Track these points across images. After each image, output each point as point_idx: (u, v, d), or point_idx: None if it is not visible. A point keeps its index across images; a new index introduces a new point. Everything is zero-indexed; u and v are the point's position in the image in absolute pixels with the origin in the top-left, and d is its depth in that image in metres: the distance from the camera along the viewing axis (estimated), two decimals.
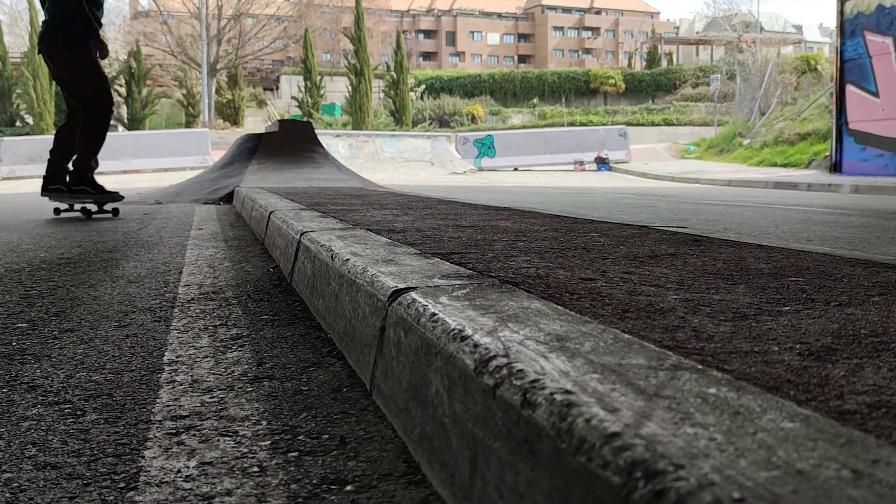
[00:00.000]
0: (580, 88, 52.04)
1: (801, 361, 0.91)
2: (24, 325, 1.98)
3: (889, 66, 14.14)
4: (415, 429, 1.06)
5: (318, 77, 40.25)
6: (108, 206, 6.12)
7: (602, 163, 23.01)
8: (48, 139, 22.42)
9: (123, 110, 37.64)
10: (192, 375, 1.50)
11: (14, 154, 20.15)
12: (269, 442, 1.14)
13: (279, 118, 23.09)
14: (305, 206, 4.08)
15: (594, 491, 0.62)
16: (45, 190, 5.84)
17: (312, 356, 1.64)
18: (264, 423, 1.22)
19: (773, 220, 5.47)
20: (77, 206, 5.97)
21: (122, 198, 6.02)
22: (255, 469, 1.04)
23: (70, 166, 5.82)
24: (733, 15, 51.49)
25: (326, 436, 1.16)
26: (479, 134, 25.43)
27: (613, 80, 51.84)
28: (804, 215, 5.99)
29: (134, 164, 20.89)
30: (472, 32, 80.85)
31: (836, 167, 15.36)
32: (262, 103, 44.77)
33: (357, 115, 36.07)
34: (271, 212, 3.65)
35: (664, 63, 56.47)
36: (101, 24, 5.73)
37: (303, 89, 39.87)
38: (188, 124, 36.06)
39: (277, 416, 1.26)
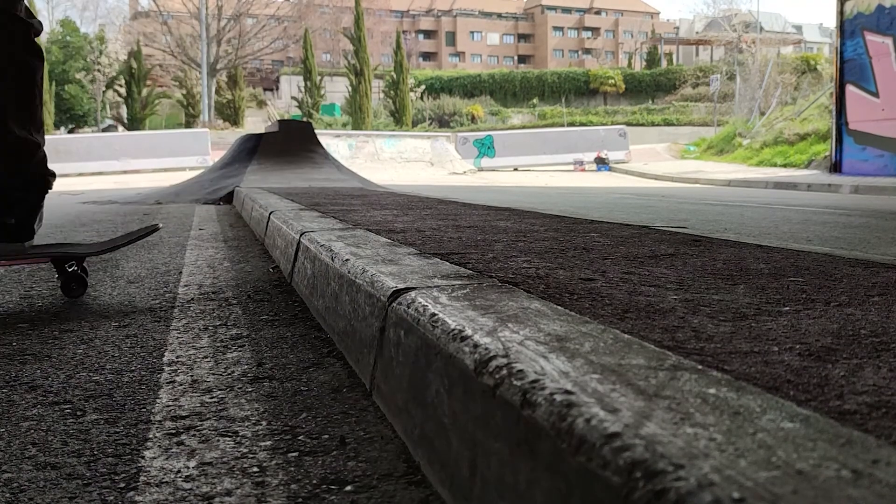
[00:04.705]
0: (580, 88, 52.06)
1: (801, 362, 0.91)
2: (24, 325, 1.98)
3: (889, 66, 14.13)
4: (415, 429, 1.06)
5: (318, 77, 40.28)
6: None
7: (602, 163, 23.01)
8: (49, 139, 22.49)
9: (123, 110, 37.66)
10: (191, 376, 1.50)
11: None
12: (269, 442, 1.14)
13: (279, 118, 23.09)
14: (305, 206, 4.08)
15: (594, 491, 0.62)
16: None
17: (312, 356, 1.64)
18: (264, 423, 1.22)
19: (773, 220, 5.47)
20: None
21: None
22: (255, 469, 1.04)
23: None
24: (733, 15, 51.48)
25: (326, 436, 1.16)
26: (478, 134, 25.44)
27: (613, 81, 51.86)
28: (804, 215, 5.99)
29: (133, 165, 20.89)
30: (472, 33, 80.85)
31: (835, 167, 15.35)
32: (262, 103, 44.78)
33: (357, 115, 36.08)
34: (271, 212, 3.65)
35: (664, 63, 56.49)
36: None
37: (303, 89, 39.89)
38: (188, 124, 36.06)
39: (277, 416, 1.26)
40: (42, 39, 33.69)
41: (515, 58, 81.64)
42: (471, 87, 50.11)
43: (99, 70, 36.59)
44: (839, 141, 15.38)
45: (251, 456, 1.09)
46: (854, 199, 9.55)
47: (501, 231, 2.67)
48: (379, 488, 0.96)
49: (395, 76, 38.92)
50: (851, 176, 13.87)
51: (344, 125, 35.73)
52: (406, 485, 0.97)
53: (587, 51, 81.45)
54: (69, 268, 2.30)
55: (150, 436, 1.17)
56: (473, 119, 42.06)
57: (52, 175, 2.36)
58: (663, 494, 0.55)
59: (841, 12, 15.27)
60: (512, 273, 1.60)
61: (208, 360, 1.62)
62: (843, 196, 10.45)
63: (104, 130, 34.34)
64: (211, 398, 1.36)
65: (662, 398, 0.74)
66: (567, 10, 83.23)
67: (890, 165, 13.96)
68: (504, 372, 0.84)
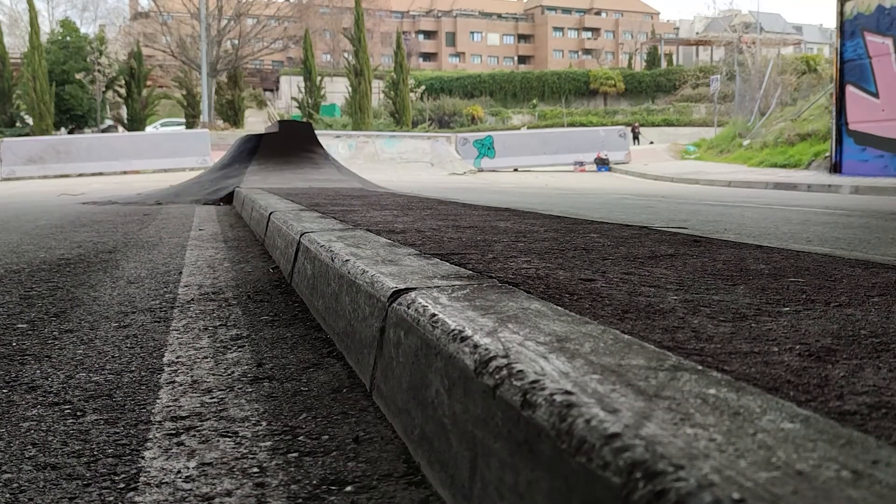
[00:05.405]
0: (580, 89, 52.08)
1: (801, 362, 0.91)
2: (24, 325, 1.98)
3: (889, 66, 14.13)
4: (415, 429, 1.06)
5: (319, 78, 40.26)
6: None
7: (602, 163, 23.00)
8: (49, 140, 22.51)
9: (123, 111, 37.65)
10: (191, 376, 1.50)
11: (14, 155, 20.14)
12: (269, 443, 1.14)
13: (279, 119, 23.06)
14: (305, 206, 4.08)
15: (594, 491, 0.62)
16: None
17: (312, 357, 1.64)
18: (264, 423, 1.22)
19: (773, 220, 5.46)
20: None
21: None
22: (255, 470, 1.04)
23: None
24: (733, 16, 51.51)
25: (326, 436, 1.16)
26: (479, 135, 25.41)
27: (613, 81, 51.88)
28: (804, 216, 5.99)
29: (134, 165, 20.88)
30: (472, 33, 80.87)
31: (836, 168, 15.35)
32: (262, 104, 44.79)
33: (357, 115, 36.06)
34: (271, 212, 3.65)
35: (664, 64, 56.52)
36: None
37: (303, 90, 39.89)
38: (188, 125, 36.07)
39: (277, 416, 1.26)
40: (42, 39, 33.67)
41: (516, 58, 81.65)
42: (471, 88, 50.14)
43: (99, 70, 36.55)
44: (839, 141, 15.37)
45: (251, 456, 1.08)
46: (854, 199, 9.55)
47: (501, 231, 2.68)
48: (379, 489, 0.96)
49: (395, 76, 38.89)
50: (851, 176, 13.86)
51: (344, 126, 35.70)
52: (406, 485, 0.97)
53: (587, 51, 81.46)
54: None
55: (150, 436, 1.17)
56: (473, 119, 42.08)
57: None
58: (663, 495, 0.55)
59: (841, 13, 15.27)
60: (512, 273, 1.60)
61: (208, 360, 1.62)
62: (843, 196, 10.45)
63: (104, 131, 34.34)
64: (211, 398, 1.36)
65: (662, 398, 0.74)
66: (567, 11, 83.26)
67: (890, 166, 13.96)
68: (504, 372, 0.84)
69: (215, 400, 1.35)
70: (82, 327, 1.95)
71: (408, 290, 1.34)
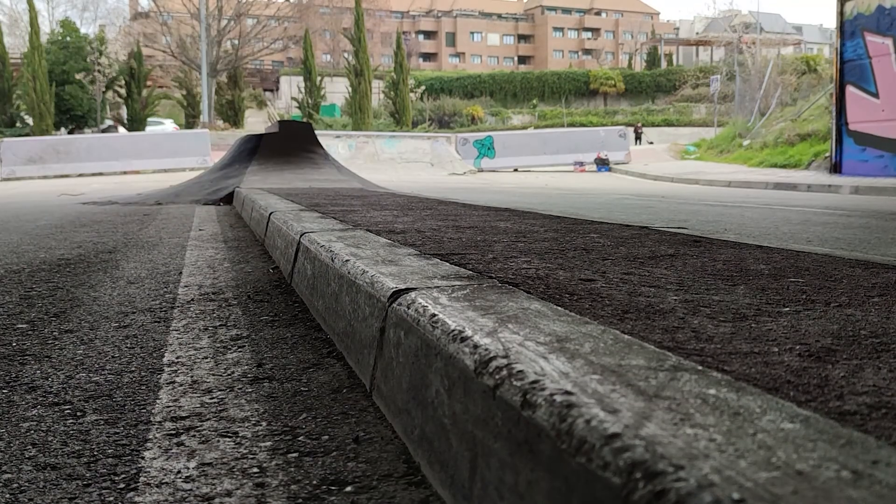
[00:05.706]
0: (580, 89, 52.10)
1: (801, 362, 0.91)
2: (24, 325, 1.98)
3: (889, 66, 14.13)
4: (415, 429, 1.06)
5: (319, 78, 40.27)
6: None
7: (602, 164, 23.00)
8: (49, 140, 22.51)
9: (124, 111, 37.65)
10: (191, 376, 1.50)
11: (14, 155, 20.13)
12: (269, 443, 1.14)
13: (279, 119, 23.07)
14: (305, 206, 4.08)
15: (594, 491, 0.62)
16: None
17: (312, 357, 1.64)
18: (264, 423, 1.22)
19: (773, 221, 5.46)
20: None
21: None
22: (255, 470, 1.04)
23: None
24: (733, 16, 51.53)
25: (326, 437, 1.16)
26: (479, 135, 25.40)
27: (613, 81, 51.90)
28: (804, 216, 5.99)
29: (134, 165, 20.88)
30: (472, 33, 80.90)
31: (836, 168, 15.35)
32: (262, 104, 44.82)
33: (357, 115, 36.06)
34: (271, 213, 3.65)
35: (664, 64, 56.53)
36: None
37: (303, 90, 39.90)
38: (189, 125, 36.08)
39: (277, 416, 1.26)
40: (42, 39, 33.67)
41: (516, 58, 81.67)
42: (471, 88, 50.15)
43: (99, 70, 36.54)
44: (839, 142, 15.37)
45: (251, 456, 1.09)
46: (854, 199, 9.55)
47: (501, 232, 2.68)
48: (379, 489, 0.96)
49: (395, 77, 38.88)
50: (851, 177, 13.86)
51: (344, 126, 35.69)
52: (406, 485, 0.97)
53: (587, 51, 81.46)
54: None
55: (150, 436, 1.17)
56: (473, 120, 42.09)
57: None
58: (663, 495, 0.55)
59: (841, 13, 15.27)
60: (512, 274, 1.60)
61: (208, 360, 1.62)
62: (843, 197, 10.45)
63: (104, 131, 34.34)
64: (211, 399, 1.36)
65: (662, 399, 0.74)
66: (567, 11, 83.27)
67: (890, 166, 13.96)
68: (504, 372, 0.84)
69: (215, 400, 1.35)
70: (82, 327, 1.95)
71: (408, 290, 1.34)
